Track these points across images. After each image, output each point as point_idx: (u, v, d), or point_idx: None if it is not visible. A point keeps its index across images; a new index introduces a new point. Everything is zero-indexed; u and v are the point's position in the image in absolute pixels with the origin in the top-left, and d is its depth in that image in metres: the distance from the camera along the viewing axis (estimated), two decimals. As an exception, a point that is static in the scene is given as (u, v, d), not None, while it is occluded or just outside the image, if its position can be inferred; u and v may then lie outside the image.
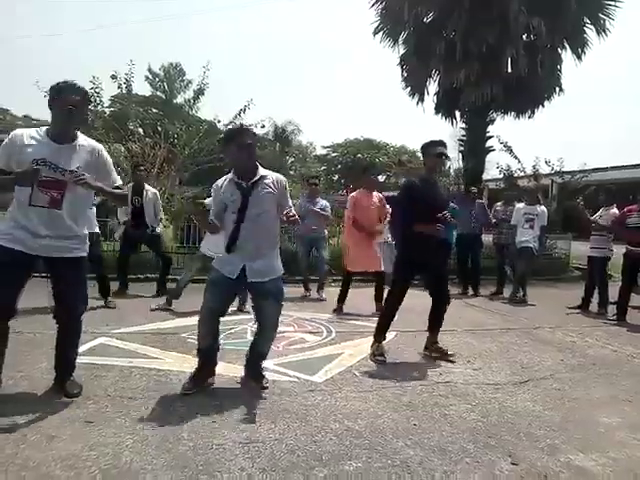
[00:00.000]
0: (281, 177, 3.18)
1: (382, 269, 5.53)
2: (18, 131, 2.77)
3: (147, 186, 6.30)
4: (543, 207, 7.26)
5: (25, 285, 2.77)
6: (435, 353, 4.05)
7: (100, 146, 2.94)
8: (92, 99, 10.16)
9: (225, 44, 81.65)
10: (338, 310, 5.73)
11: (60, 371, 2.95)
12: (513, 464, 2.37)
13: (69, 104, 2.67)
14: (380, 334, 4.03)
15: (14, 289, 2.71)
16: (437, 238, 3.94)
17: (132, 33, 72.08)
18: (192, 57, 62.84)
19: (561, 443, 2.61)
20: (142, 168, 6.49)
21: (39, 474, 2.08)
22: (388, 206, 5.82)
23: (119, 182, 3.04)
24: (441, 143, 4.03)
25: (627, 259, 6.04)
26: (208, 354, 3.15)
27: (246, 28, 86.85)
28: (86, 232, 2.93)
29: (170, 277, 6.35)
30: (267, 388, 3.17)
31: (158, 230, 6.40)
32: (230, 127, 3.34)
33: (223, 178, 3.13)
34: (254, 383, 3.21)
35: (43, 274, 2.90)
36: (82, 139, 2.84)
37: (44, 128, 2.79)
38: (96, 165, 2.85)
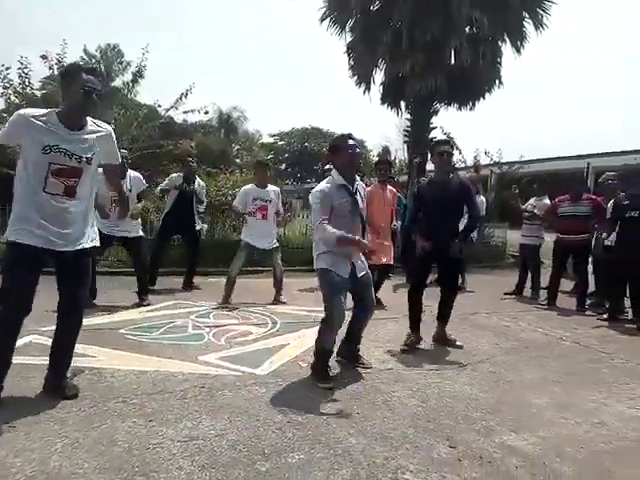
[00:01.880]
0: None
1: (391, 262, 5.60)
2: (28, 111, 2.58)
3: (197, 178, 6.33)
4: (482, 197, 7.54)
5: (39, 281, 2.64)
6: (446, 343, 4.23)
7: (110, 128, 2.85)
8: (21, 80, 9.50)
9: (167, 25, 78.42)
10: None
11: (57, 372, 2.82)
12: (451, 447, 2.46)
13: (90, 86, 2.56)
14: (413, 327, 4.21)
15: (32, 285, 2.60)
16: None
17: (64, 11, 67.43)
18: (133, 39, 59.99)
19: (496, 424, 2.73)
20: (192, 159, 6.36)
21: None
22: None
23: (120, 160, 3.05)
24: (445, 142, 4.29)
25: (557, 246, 6.39)
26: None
27: (187, 9, 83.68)
28: (94, 224, 2.86)
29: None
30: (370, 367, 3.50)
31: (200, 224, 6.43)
32: (340, 135, 3.45)
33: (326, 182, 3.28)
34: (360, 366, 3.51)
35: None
36: (91, 123, 2.71)
37: (53, 112, 2.60)
38: (109, 148, 2.82)
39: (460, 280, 7.30)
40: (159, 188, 6.38)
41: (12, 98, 9.59)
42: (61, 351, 2.83)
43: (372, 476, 2.16)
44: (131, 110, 11.10)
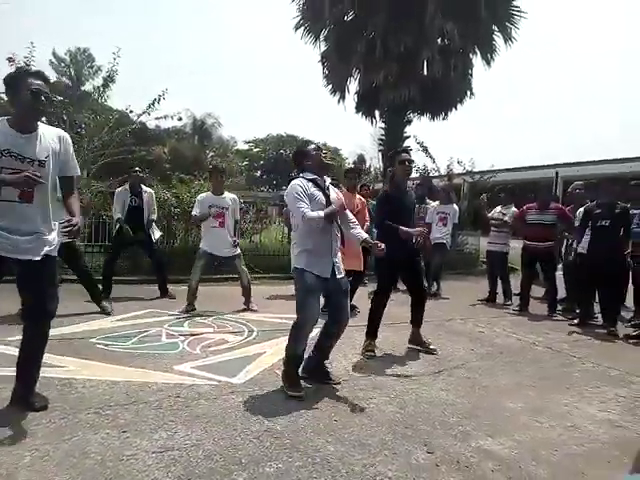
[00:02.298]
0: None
1: (361, 269, 5.52)
2: None
3: (144, 187, 6.18)
4: (455, 206, 7.67)
5: None
6: (420, 346, 4.29)
7: (64, 133, 2.75)
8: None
9: (139, 27, 77.34)
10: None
11: (25, 384, 2.71)
12: (428, 452, 2.47)
13: (38, 88, 2.50)
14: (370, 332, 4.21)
15: None
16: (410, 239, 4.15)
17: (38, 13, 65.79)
18: (103, 42, 59.02)
19: (472, 429, 2.75)
20: (137, 169, 6.15)
21: None
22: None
23: (79, 172, 2.87)
24: (405, 150, 4.32)
25: (525, 252, 6.54)
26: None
27: (160, 11, 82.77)
28: (56, 229, 2.72)
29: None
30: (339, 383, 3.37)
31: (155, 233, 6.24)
32: (303, 142, 3.54)
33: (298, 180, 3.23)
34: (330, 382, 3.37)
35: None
36: (43, 127, 2.64)
37: (4, 119, 2.55)
38: (64, 153, 2.70)
39: (435, 287, 7.42)
40: (116, 217, 6.03)
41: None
42: (28, 362, 2.72)
43: (351, 483, 2.15)
44: (102, 115, 10.88)
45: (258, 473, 2.19)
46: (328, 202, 3.20)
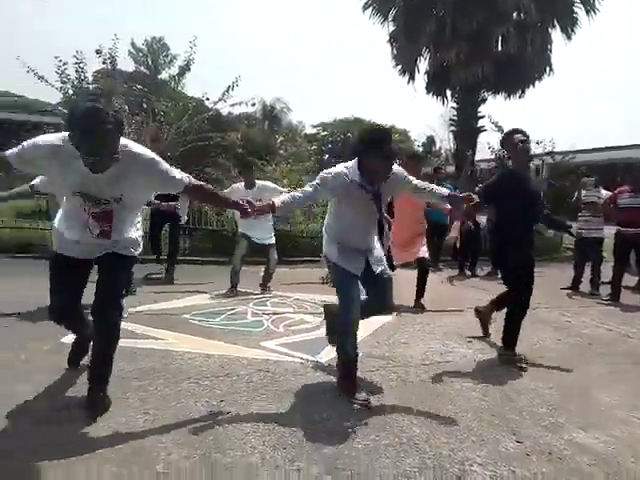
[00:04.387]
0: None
1: (426, 255, 5.28)
2: (52, 142, 2.27)
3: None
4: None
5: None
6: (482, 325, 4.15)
7: (150, 156, 2.43)
8: (78, 75, 9.90)
9: (212, 17, 79.28)
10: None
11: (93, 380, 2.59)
12: (518, 442, 2.42)
13: (82, 128, 2.13)
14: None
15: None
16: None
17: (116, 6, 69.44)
18: (176, 30, 61.27)
19: (563, 421, 2.67)
20: (169, 155, 6.44)
21: (53, 455, 2.07)
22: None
23: (181, 186, 2.58)
24: (520, 131, 3.72)
25: (619, 240, 6.13)
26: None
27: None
28: (133, 236, 2.67)
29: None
30: None
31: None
32: (372, 129, 2.95)
33: (336, 173, 2.77)
34: None
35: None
36: (127, 155, 2.31)
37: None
38: (152, 179, 2.47)
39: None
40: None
41: (70, 92, 10.03)
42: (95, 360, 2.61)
43: (439, 466, 2.16)
44: (179, 103, 11.36)
45: (348, 448, 2.26)
46: (377, 201, 2.81)
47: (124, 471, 1.98)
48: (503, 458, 2.27)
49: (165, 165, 2.50)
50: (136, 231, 2.72)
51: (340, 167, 2.81)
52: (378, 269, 2.94)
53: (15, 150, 2.32)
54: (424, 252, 5.25)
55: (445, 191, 3.07)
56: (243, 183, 5.72)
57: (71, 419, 2.38)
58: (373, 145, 2.67)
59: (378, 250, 3.03)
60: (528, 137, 3.71)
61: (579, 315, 5.21)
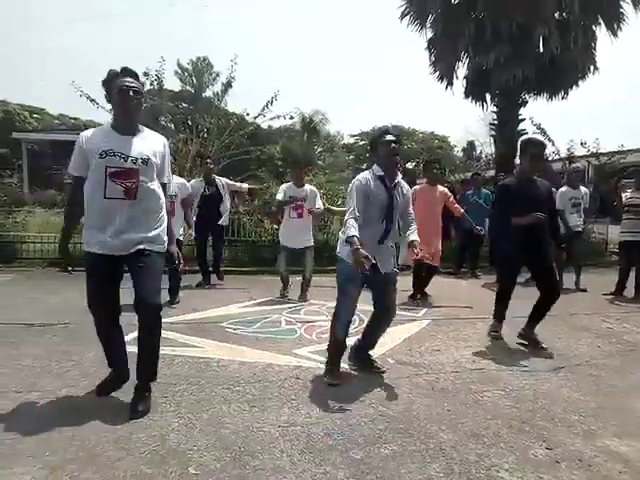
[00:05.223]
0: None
1: (437, 265, 5.79)
2: (83, 133, 2.73)
3: (217, 177, 6.61)
4: (586, 189, 7.03)
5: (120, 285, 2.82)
6: (530, 343, 4.09)
7: (165, 139, 2.89)
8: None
9: (244, 31, 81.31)
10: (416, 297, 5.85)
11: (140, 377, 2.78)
12: (547, 449, 2.40)
13: (122, 86, 2.60)
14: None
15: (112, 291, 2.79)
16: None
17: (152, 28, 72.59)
18: (217, 48, 63.23)
19: (597, 429, 2.61)
20: (209, 160, 6.68)
21: (93, 454, 2.24)
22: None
23: (171, 179, 3.02)
24: (541, 143, 4.10)
25: None
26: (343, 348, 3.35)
27: (260, 15, 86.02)
28: (163, 227, 2.83)
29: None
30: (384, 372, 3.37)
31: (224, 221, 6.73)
32: (378, 130, 3.55)
33: (361, 177, 3.22)
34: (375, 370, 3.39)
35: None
36: (148, 131, 2.81)
37: (108, 122, 2.78)
38: (162, 157, 2.81)
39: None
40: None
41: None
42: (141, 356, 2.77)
43: (465, 472, 2.18)
44: (221, 119, 11.79)
45: (374, 453, 2.31)
46: (391, 203, 3.17)
47: (159, 471, 2.11)
48: (531, 465, 2.26)
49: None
50: (160, 226, 2.80)
51: (363, 173, 3.28)
52: (385, 269, 3.21)
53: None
54: (437, 261, 5.76)
55: (411, 238, 3.31)
56: (292, 182, 5.92)
57: (109, 421, 2.54)
58: (380, 134, 3.28)
59: (388, 252, 3.30)
60: (544, 145, 4.07)
61: (621, 321, 5.02)
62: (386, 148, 3.16)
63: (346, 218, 3.07)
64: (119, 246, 2.65)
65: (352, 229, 2.98)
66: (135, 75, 2.70)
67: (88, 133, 2.71)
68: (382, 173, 3.18)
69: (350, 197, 3.15)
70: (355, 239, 2.94)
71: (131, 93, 2.62)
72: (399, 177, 3.28)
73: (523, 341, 4.14)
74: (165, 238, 2.84)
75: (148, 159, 2.68)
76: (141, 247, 2.68)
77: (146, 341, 2.73)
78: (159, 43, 60.93)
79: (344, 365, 3.42)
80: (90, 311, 2.76)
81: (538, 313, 4.10)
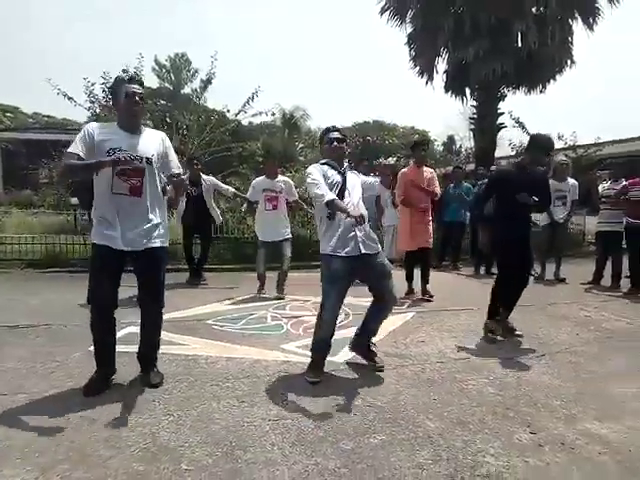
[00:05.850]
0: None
1: (430, 246, 5.72)
2: (92, 124, 2.91)
3: (203, 176, 6.56)
4: (574, 181, 7.12)
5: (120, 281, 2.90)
6: (504, 331, 4.15)
7: (163, 134, 3.08)
8: (105, 94, 10.30)
9: (223, 28, 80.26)
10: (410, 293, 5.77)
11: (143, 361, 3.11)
12: (532, 433, 2.47)
13: (129, 92, 2.82)
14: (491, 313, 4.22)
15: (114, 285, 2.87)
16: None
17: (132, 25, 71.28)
18: (194, 44, 62.43)
19: (578, 413, 2.70)
20: (196, 161, 6.63)
21: (83, 454, 2.23)
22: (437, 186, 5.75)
23: (181, 170, 3.12)
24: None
25: (628, 232, 6.09)
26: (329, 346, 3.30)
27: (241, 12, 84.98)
28: (166, 222, 3.04)
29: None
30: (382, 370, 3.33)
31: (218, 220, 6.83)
32: (324, 129, 3.59)
33: (316, 165, 3.35)
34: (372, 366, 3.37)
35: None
36: (148, 130, 3.03)
37: (114, 122, 2.94)
38: (165, 152, 2.98)
39: (540, 269, 7.04)
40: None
41: (97, 111, 10.44)
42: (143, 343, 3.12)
43: (453, 458, 2.23)
44: (201, 116, 11.67)
45: (364, 443, 2.35)
46: (344, 184, 3.24)
47: (151, 468, 2.11)
48: (516, 449, 2.32)
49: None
50: (163, 222, 2.99)
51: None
52: (367, 250, 3.17)
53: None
54: (429, 243, 5.68)
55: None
56: (264, 176, 5.90)
57: (98, 420, 2.54)
58: (326, 132, 3.47)
59: (368, 230, 3.27)
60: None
61: (599, 309, 5.17)
62: (329, 144, 3.36)
63: (315, 191, 3.09)
64: (127, 242, 2.80)
65: (329, 194, 3.04)
66: (141, 83, 2.97)
67: (97, 126, 2.87)
68: (330, 163, 3.33)
69: (311, 180, 3.16)
70: (336, 201, 3.03)
71: (137, 99, 2.85)
72: (346, 166, 3.42)
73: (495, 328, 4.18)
74: (167, 234, 3.04)
75: (152, 158, 2.87)
76: (149, 245, 2.86)
77: (150, 337, 3.07)
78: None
79: (338, 358, 3.46)
80: (91, 304, 2.87)
81: (512, 301, 4.19)
